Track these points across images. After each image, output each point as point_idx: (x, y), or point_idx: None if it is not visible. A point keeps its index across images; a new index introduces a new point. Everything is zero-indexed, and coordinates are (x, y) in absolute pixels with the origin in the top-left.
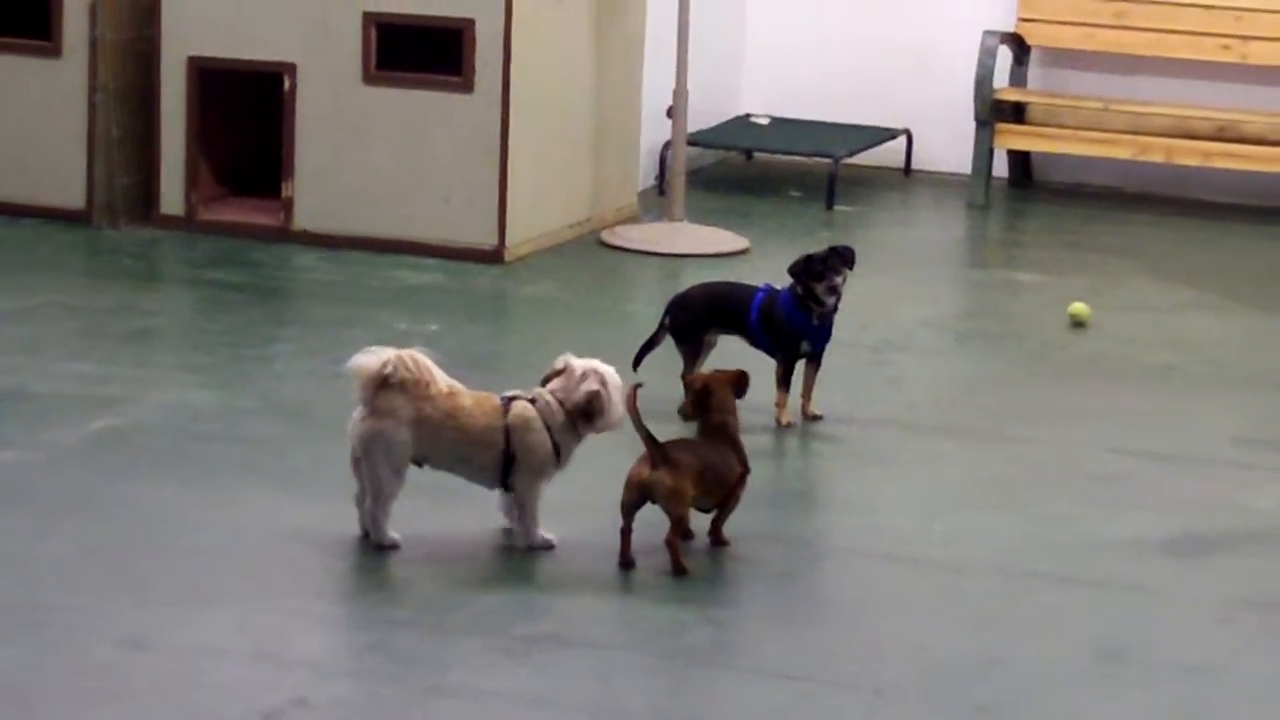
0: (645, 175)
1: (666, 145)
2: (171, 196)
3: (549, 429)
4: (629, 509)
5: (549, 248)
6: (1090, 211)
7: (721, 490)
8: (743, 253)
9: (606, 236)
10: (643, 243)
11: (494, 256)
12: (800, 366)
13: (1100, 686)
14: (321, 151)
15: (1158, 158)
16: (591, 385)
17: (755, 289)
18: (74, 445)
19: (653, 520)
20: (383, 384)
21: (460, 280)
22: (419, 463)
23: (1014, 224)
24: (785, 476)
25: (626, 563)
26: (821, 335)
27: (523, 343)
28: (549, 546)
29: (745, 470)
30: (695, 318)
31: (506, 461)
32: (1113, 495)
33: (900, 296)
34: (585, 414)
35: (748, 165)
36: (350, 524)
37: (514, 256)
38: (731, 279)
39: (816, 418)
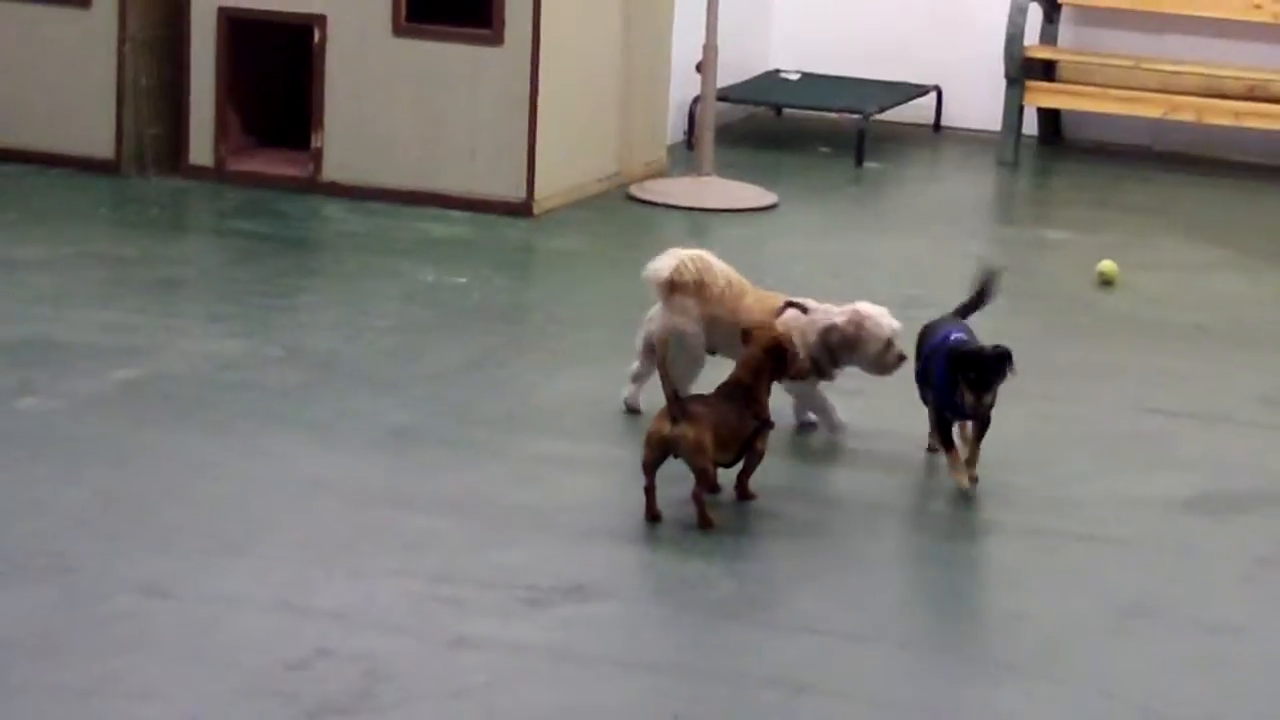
0: (674, 130)
1: (695, 100)
2: (200, 147)
3: (808, 343)
4: (651, 466)
5: (577, 201)
6: (1119, 170)
7: (736, 444)
8: (771, 208)
9: (634, 190)
10: (670, 197)
11: (522, 209)
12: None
13: (1124, 643)
14: (350, 103)
15: (1188, 117)
16: (835, 318)
17: (947, 329)
18: (99, 393)
19: (675, 475)
20: (674, 286)
21: (488, 233)
22: (712, 351)
23: (1043, 182)
24: (814, 434)
25: (653, 517)
26: (974, 416)
27: (550, 295)
28: (843, 428)
29: (764, 424)
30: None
31: None
32: (1139, 453)
33: (927, 253)
34: (824, 342)
35: (777, 121)
36: (376, 475)
37: (542, 210)
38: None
39: (973, 480)
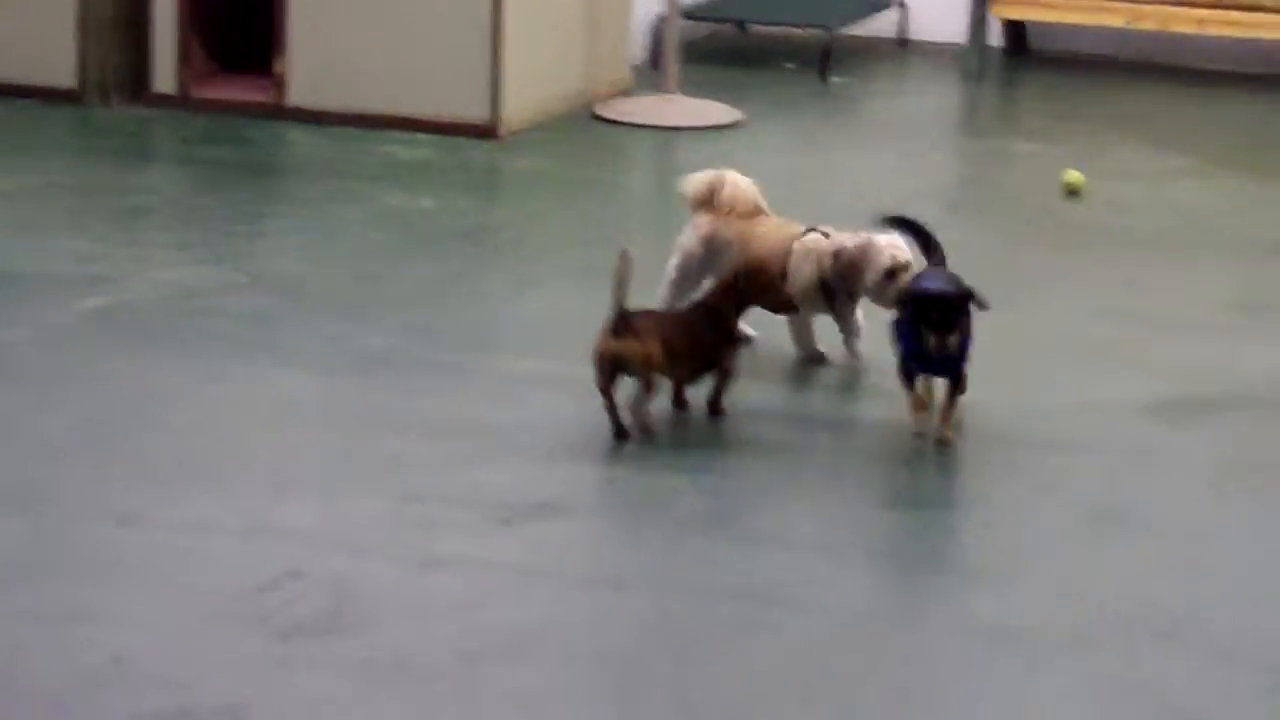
0: (639, 48)
1: (660, 18)
2: (164, 75)
3: (823, 267)
4: (605, 385)
5: (542, 122)
6: (1084, 80)
7: (697, 360)
8: (737, 125)
9: (600, 109)
10: (636, 116)
11: (487, 131)
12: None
13: (1093, 550)
14: (313, 28)
15: (1151, 25)
16: (845, 243)
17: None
18: (67, 323)
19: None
20: (702, 203)
21: (454, 155)
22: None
23: (1009, 94)
24: (786, 349)
25: (620, 434)
26: (943, 368)
27: (517, 216)
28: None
29: (729, 343)
30: None
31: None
32: (1105, 361)
33: (894, 167)
34: (835, 267)
35: (741, 37)
36: (345, 398)
37: (507, 131)
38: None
39: (946, 441)
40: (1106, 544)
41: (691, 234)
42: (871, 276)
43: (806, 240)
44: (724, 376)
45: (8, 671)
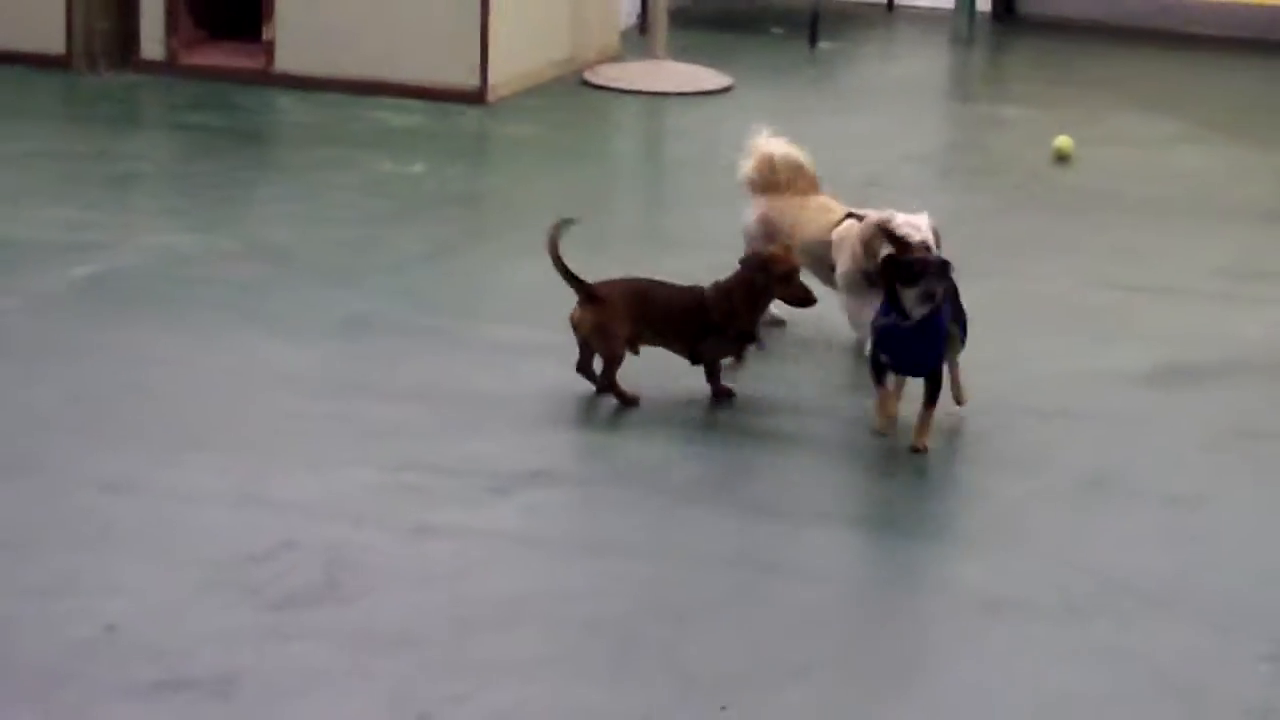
0: (627, 14)
1: None
2: (151, 41)
3: (857, 253)
4: (581, 356)
5: (531, 88)
6: (1074, 45)
7: (663, 333)
8: (726, 90)
9: (589, 76)
10: (625, 81)
11: (476, 97)
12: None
13: (1083, 515)
14: None
15: None
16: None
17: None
18: (57, 291)
19: (648, 358)
20: (756, 185)
21: (443, 121)
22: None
23: (998, 59)
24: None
25: (628, 401)
26: (915, 360)
27: (506, 182)
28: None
29: (710, 332)
30: None
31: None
32: (1097, 328)
33: (883, 133)
34: (863, 249)
35: (730, 3)
36: (335, 366)
37: (496, 97)
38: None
39: (917, 450)
40: (1099, 511)
41: (750, 216)
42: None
43: (841, 228)
44: (705, 364)
45: (0, 642)
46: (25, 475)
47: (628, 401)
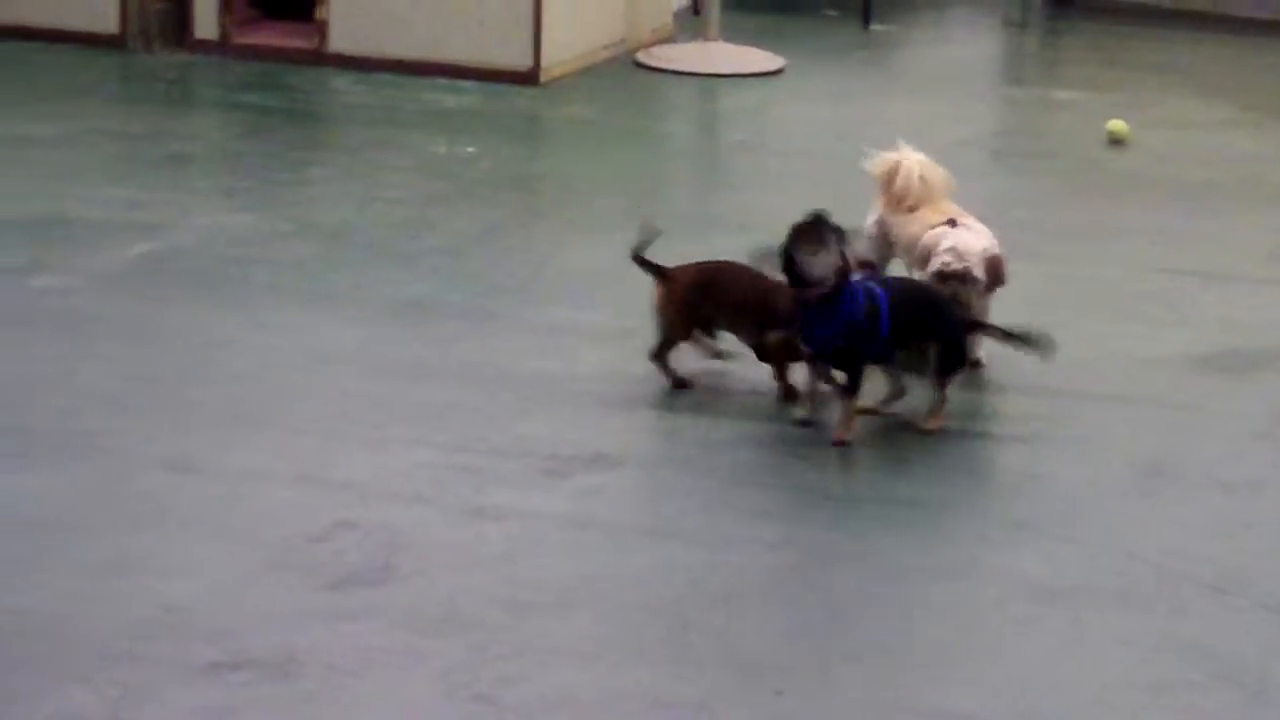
0: None
1: None
2: (205, 20)
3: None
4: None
5: (584, 69)
6: (1128, 29)
7: (737, 318)
8: (778, 73)
9: (642, 57)
10: (678, 63)
11: (529, 78)
12: None
13: (1139, 502)
14: None
15: None
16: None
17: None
18: (113, 270)
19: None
20: (883, 184)
21: (496, 102)
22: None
23: (1052, 42)
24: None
25: (677, 383)
26: (816, 331)
27: (559, 164)
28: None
29: (775, 324)
30: None
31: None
32: (1152, 313)
33: (937, 115)
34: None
35: None
36: (392, 347)
37: (549, 78)
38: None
39: (841, 443)
40: (1154, 498)
41: (871, 215)
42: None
43: (926, 237)
44: (772, 359)
45: (60, 622)
46: (85, 455)
47: (676, 383)
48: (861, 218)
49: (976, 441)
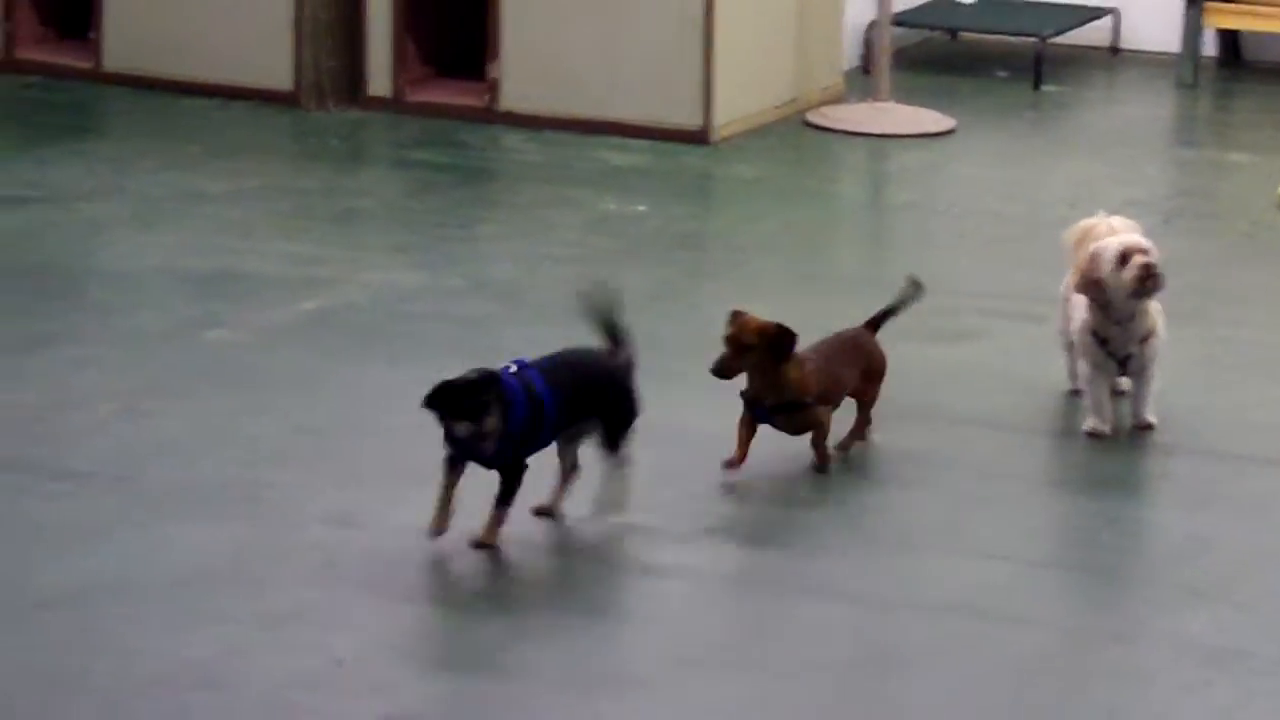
0: (850, 55)
1: (871, 24)
2: (378, 78)
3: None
4: None
5: (754, 128)
6: None
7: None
8: (949, 133)
9: (812, 117)
10: (848, 123)
11: (699, 137)
12: None
13: None
14: (527, 32)
15: None
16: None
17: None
18: (285, 325)
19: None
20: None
21: (666, 161)
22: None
23: (1223, 103)
24: (986, 354)
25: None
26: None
27: (729, 223)
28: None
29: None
30: None
31: None
32: None
33: (1107, 177)
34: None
35: (952, 44)
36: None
37: (719, 137)
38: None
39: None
40: None
41: (1067, 279)
42: (1115, 287)
43: (1093, 247)
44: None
45: (228, 672)
46: (254, 507)
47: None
48: (1030, 277)
49: (1139, 504)
